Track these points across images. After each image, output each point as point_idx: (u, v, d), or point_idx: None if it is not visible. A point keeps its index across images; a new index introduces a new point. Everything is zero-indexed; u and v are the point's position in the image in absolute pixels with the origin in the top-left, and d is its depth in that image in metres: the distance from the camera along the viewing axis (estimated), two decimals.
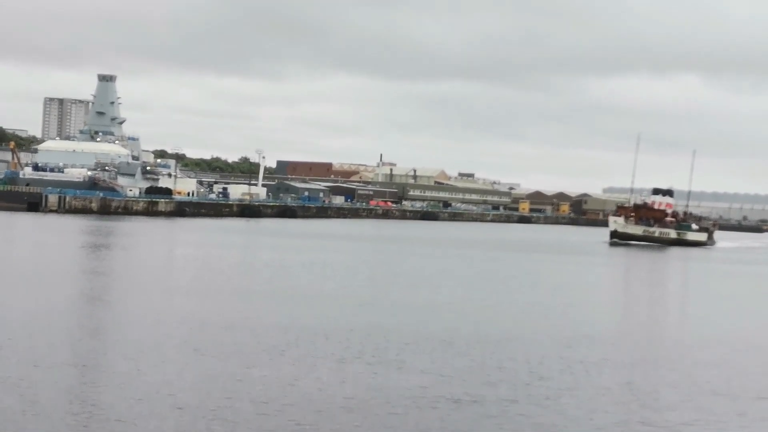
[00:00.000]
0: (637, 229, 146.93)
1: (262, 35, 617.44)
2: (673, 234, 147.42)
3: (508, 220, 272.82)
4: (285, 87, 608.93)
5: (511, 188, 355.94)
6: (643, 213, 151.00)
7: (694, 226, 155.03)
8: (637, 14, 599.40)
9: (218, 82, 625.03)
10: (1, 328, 30.30)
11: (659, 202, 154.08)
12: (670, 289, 69.39)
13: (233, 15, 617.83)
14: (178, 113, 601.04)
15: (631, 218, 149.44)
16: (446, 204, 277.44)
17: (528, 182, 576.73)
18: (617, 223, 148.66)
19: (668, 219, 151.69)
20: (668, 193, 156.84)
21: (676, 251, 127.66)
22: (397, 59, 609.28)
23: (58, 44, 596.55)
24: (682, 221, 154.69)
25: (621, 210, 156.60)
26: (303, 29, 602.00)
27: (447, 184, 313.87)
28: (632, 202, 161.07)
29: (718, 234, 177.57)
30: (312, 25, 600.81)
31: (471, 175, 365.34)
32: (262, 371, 25.47)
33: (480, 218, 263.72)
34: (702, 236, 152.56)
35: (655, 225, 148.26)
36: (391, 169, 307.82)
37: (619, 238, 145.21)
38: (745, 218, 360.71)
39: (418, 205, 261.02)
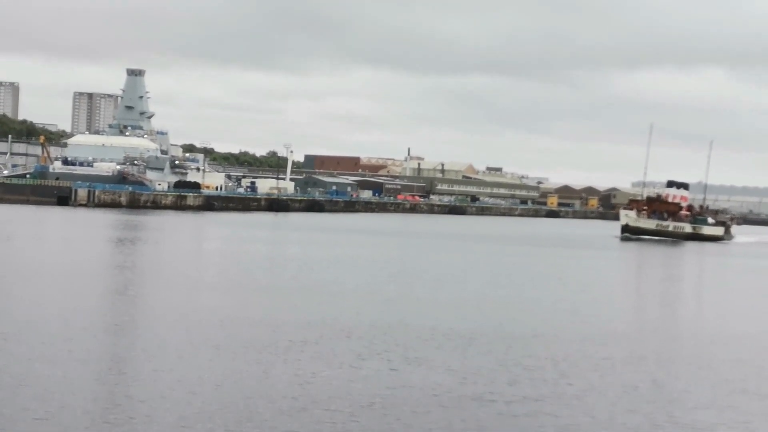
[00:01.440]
0: (650, 223, 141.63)
1: (287, 30, 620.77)
2: (688, 228, 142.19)
3: (536, 214, 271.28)
4: (310, 81, 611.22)
5: (539, 182, 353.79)
6: (656, 206, 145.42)
7: (711, 220, 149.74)
8: (661, 9, 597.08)
9: (244, 76, 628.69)
10: (27, 324, 30.39)
11: (674, 195, 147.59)
12: (688, 285, 68.61)
13: (258, 11, 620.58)
14: (205, 108, 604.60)
15: (644, 212, 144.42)
16: (474, 198, 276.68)
17: (556, 176, 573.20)
18: (629, 216, 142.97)
19: (683, 213, 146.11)
20: (683, 185, 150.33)
21: (691, 246, 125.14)
22: (422, 54, 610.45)
23: (86, 39, 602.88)
24: (698, 215, 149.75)
25: (633, 203, 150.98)
26: (327, 24, 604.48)
27: (475, 179, 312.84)
28: (645, 195, 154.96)
29: (737, 228, 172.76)
30: (336, 21, 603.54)
31: (499, 170, 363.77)
32: (284, 368, 25.32)
33: (508, 212, 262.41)
34: (718, 231, 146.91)
35: (669, 219, 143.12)
36: (419, 164, 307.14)
37: (630, 233, 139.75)
38: None
39: (445, 199, 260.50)
